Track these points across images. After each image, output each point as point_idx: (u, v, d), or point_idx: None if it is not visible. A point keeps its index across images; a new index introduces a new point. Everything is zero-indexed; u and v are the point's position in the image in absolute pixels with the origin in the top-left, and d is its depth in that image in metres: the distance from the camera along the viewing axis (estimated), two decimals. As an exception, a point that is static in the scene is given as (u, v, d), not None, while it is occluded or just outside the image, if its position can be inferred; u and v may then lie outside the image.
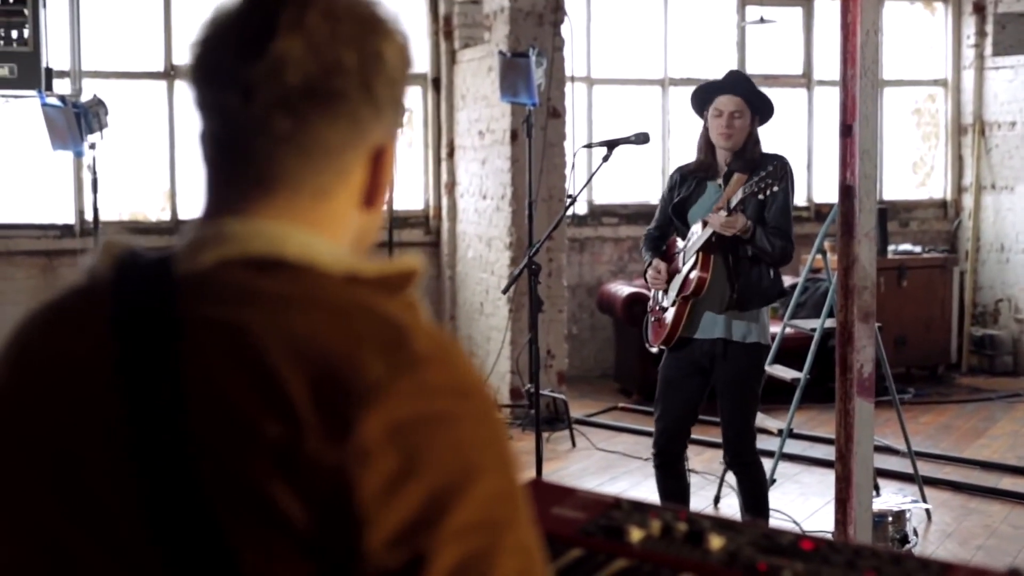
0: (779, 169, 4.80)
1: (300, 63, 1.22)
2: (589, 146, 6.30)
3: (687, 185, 5.10)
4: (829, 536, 1.52)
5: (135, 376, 1.17)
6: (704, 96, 5.04)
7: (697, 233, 4.96)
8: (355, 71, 1.24)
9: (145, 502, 1.15)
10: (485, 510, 1.13)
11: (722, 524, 1.55)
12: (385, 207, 1.35)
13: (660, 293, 5.15)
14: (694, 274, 4.95)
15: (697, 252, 4.94)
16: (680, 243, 5.11)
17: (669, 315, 5.04)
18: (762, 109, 5.01)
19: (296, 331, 1.15)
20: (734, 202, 4.86)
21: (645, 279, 5.27)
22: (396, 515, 1.10)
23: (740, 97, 4.95)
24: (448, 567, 1.10)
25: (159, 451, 1.14)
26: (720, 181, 5.01)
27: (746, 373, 4.99)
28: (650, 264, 5.18)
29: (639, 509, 1.58)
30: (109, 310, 1.22)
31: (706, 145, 5.05)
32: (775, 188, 4.80)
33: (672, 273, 5.09)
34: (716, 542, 1.49)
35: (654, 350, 5.19)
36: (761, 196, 4.82)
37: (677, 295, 5.00)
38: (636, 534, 1.51)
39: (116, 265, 1.25)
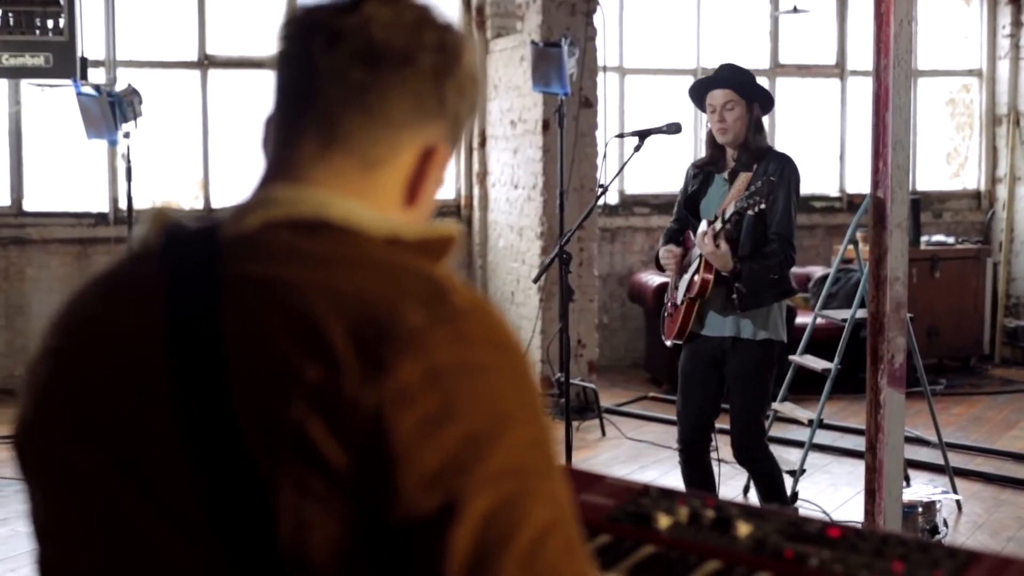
0: (765, 186, 4.74)
1: (387, 26, 1.30)
2: (621, 136, 6.28)
3: (698, 179, 5.11)
4: (858, 525, 1.51)
5: (178, 333, 1.21)
6: (699, 93, 5.05)
7: (702, 230, 4.95)
8: (433, 52, 1.31)
9: (188, 453, 1.18)
10: (518, 457, 1.15)
11: (750, 511, 1.55)
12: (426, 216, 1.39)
13: (674, 290, 5.15)
14: (698, 276, 4.97)
15: (700, 255, 4.96)
16: (694, 237, 5.11)
17: (679, 313, 5.05)
18: (757, 98, 4.97)
19: (338, 285, 1.19)
20: (730, 212, 4.85)
21: (657, 264, 5.26)
22: (431, 457, 1.12)
23: (729, 89, 4.93)
24: (482, 511, 1.12)
25: (200, 401, 1.18)
26: (727, 175, 5.01)
27: (755, 368, 4.97)
28: (664, 247, 5.18)
29: (667, 496, 1.59)
30: (158, 274, 1.26)
31: (712, 140, 5.05)
32: (762, 206, 4.77)
33: (685, 267, 5.09)
34: (743, 529, 1.50)
35: (668, 344, 5.19)
36: (751, 212, 4.79)
37: (684, 295, 5.02)
38: (664, 521, 1.52)
39: (165, 233, 1.30)
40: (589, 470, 1.58)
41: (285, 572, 1.15)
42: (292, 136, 1.33)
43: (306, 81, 1.31)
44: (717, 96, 4.95)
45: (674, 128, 5.66)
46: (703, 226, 4.95)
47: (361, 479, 1.13)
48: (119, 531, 1.24)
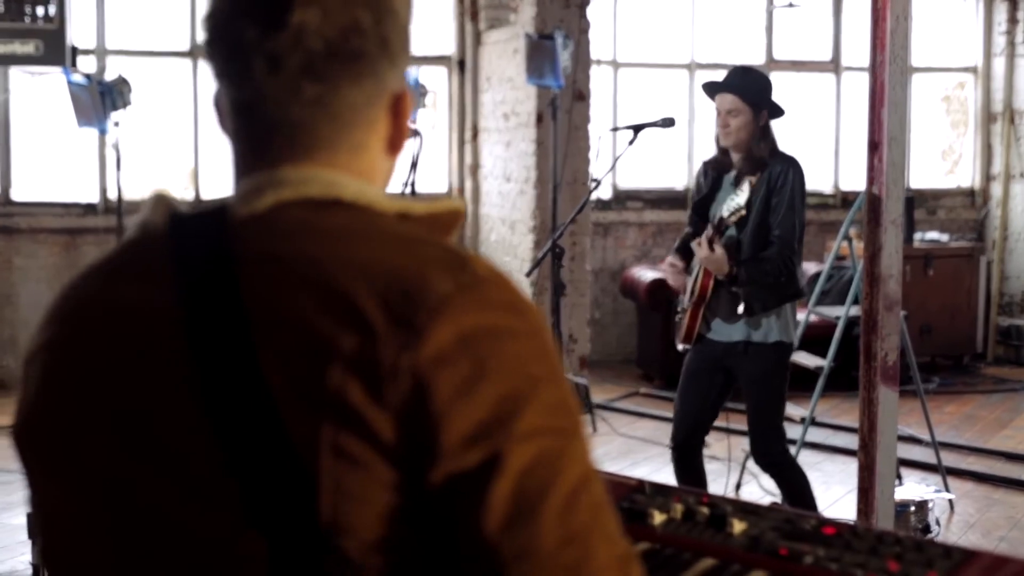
0: (756, 197, 4.77)
1: (320, 29, 1.27)
2: (616, 129, 6.25)
3: (708, 180, 5.09)
4: (849, 522, 1.50)
5: (198, 313, 1.21)
6: (709, 93, 5.03)
7: (704, 236, 4.92)
8: (371, 28, 1.29)
9: (217, 435, 1.18)
10: (551, 416, 1.19)
11: (744, 508, 1.55)
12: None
13: (683, 294, 5.12)
14: (699, 282, 4.95)
15: (701, 266, 4.95)
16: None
17: (687, 317, 5.03)
18: (765, 105, 4.92)
19: (360, 257, 1.21)
20: (717, 219, 4.85)
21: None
22: (471, 415, 1.15)
23: (735, 95, 4.89)
24: (521, 466, 1.16)
25: (228, 377, 1.18)
26: (733, 178, 4.98)
27: (768, 372, 4.94)
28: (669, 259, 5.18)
29: (662, 493, 1.59)
30: (168, 257, 1.25)
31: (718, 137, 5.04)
32: (743, 213, 4.79)
33: (690, 271, 5.07)
34: (738, 526, 1.50)
35: (679, 348, 5.16)
36: (731, 220, 4.81)
37: (689, 300, 5.00)
38: (658, 517, 1.52)
39: (170, 216, 1.29)
40: None
41: (326, 541, 1.16)
42: (266, 145, 1.31)
43: (261, 104, 1.30)
44: (723, 101, 4.92)
45: (668, 122, 5.63)
46: (705, 232, 4.94)
47: (404, 442, 1.15)
48: (139, 515, 1.23)
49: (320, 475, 1.15)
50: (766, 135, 4.93)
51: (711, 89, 5.01)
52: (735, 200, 4.87)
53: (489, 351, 1.18)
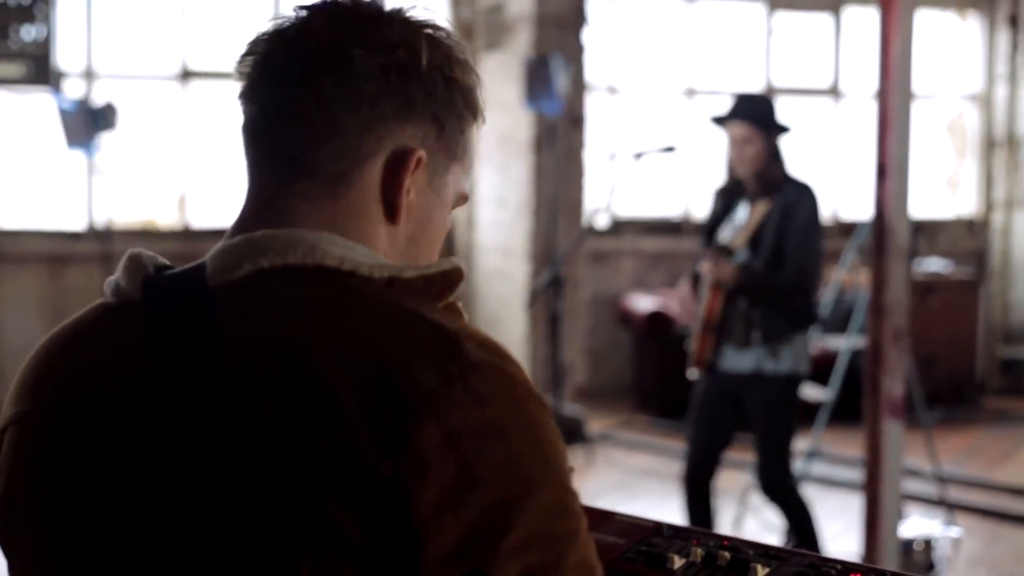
0: (767, 227, 4.72)
1: (319, 33, 1.24)
2: (615, 157, 6.13)
3: (720, 205, 5.05)
4: (878, 567, 1.42)
5: (175, 395, 1.13)
6: (718, 123, 4.99)
7: (707, 257, 4.87)
8: (379, 52, 1.23)
9: (190, 522, 1.11)
10: (545, 524, 1.10)
11: (767, 553, 1.50)
12: (427, 242, 1.33)
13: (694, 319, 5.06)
14: (705, 308, 4.90)
15: (708, 287, 4.90)
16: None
17: (696, 342, 4.97)
18: (776, 127, 4.90)
19: (343, 341, 1.11)
20: (738, 241, 4.80)
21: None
22: (454, 530, 1.07)
23: (748, 122, 4.86)
24: None
25: (203, 469, 1.11)
26: (746, 202, 4.94)
27: (779, 403, 4.88)
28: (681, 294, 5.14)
29: (680, 535, 1.54)
30: (142, 328, 1.18)
31: (731, 168, 4.99)
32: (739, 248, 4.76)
33: (699, 298, 5.01)
34: (761, 572, 1.45)
35: (690, 376, 5.07)
36: (732, 247, 4.79)
37: (699, 324, 4.93)
38: (678, 562, 1.47)
39: (144, 281, 1.23)
40: (596, 507, 1.52)
41: None
42: (258, 169, 1.27)
43: (254, 109, 1.27)
44: (735, 130, 4.88)
45: (669, 149, 5.56)
46: (707, 253, 4.90)
47: (381, 555, 1.07)
48: None
49: None
50: (778, 157, 4.90)
51: (720, 120, 4.97)
52: (737, 220, 4.85)
53: (477, 454, 1.08)
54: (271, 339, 1.13)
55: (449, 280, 1.25)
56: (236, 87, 1.29)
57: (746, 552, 1.48)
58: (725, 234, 4.93)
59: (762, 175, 4.86)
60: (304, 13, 1.26)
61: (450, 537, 1.06)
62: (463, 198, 1.35)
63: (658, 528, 1.55)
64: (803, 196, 4.84)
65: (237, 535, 1.09)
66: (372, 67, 1.23)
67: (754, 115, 4.88)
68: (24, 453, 1.23)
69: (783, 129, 4.92)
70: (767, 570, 1.44)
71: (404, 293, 1.20)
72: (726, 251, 4.81)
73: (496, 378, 1.13)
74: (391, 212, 1.26)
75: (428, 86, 1.26)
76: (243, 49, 1.28)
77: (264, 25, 1.29)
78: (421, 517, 1.06)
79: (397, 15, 1.27)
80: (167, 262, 1.27)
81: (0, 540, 1.27)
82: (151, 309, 1.19)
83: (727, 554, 1.47)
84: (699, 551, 1.48)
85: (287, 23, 1.26)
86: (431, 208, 1.30)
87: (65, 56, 8.24)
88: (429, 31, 1.28)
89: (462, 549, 1.07)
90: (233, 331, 1.15)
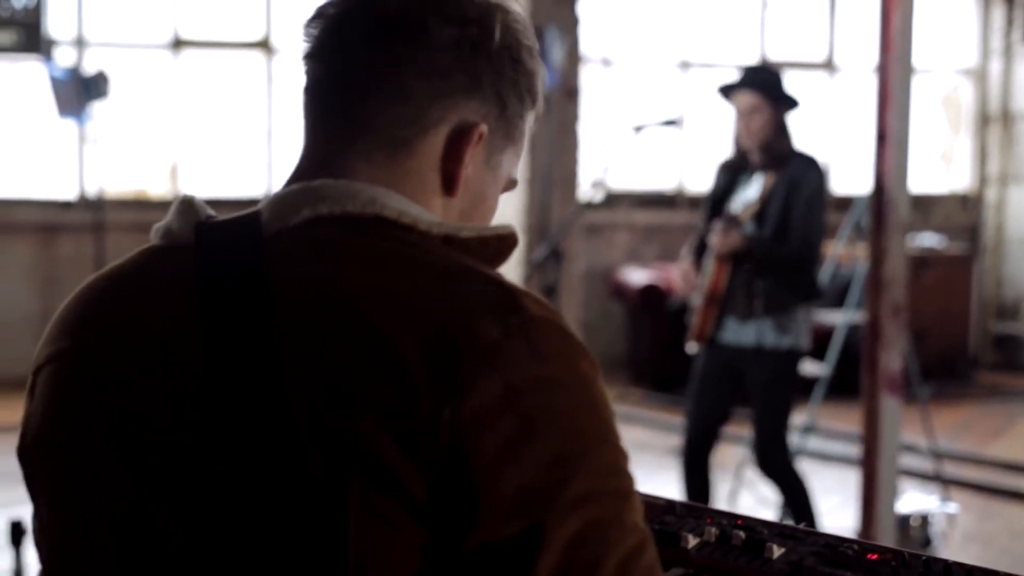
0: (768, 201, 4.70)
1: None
2: (617, 129, 6.08)
3: (725, 179, 5.01)
4: (896, 548, 1.41)
5: (225, 341, 1.12)
6: (725, 94, 4.95)
7: (715, 229, 4.83)
8: (452, 24, 1.24)
9: (236, 470, 1.09)
10: (601, 479, 1.10)
11: (782, 532, 1.48)
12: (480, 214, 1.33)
13: (695, 292, 5.02)
14: (710, 280, 4.87)
15: (714, 258, 4.87)
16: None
17: (698, 315, 4.94)
18: (784, 99, 4.87)
19: (402, 292, 1.11)
20: (743, 210, 4.78)
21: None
22: (514, 481, 1.06)
23: (755, 92, 4.82)
24: (567, 537, 1.07)
25: (252, 416, 1.09)
26: (752, 175, 4.90)
27: (778, 378, 4.86)
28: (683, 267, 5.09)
29: (694, 514, 1.53)
30: (193, 273, 1.17)
31: (738, 140, 4.95)
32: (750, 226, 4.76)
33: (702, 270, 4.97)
34: (777, 551, 1.43)
35: (690, 349, 5.04)
36: (743, 219, 4.76)
37: (702, 297, 4.91)
38: (692, 541, 1.46)
39: (197, 226, 1.21)
40: None
41: None
42: (318, 127, 1.27)
43: (321, 69, 1.26)
44: (743, 100, 4.84)
45: (673, 122, 5.51)
46: (715, 225, 4.86)
47: (438, 504, 1.06)
48: (149, 555, 1.14)
49: (348, 531, 1.06)
50: (785, 130, 4.88)
51: (727, 90, 4.93)
52: (747, 194, 4.82)
53: (538, 407, 1.07)
54: (328, 287, 1.12)
55: (504, 244, 1.26)
56: (301, 49, 1.29)
57: (761, 532, 1.46)
58: (734, 206, 4.89)
59: (769, 147, 4.82)
60: None
61: (509, 489, 1.05)
62: (513, 183, 1.36)
63: (671, 506, 1.54)
64: (810, 169, 4.81)
65: (284, 480, 1.07)
66: (446, 38, 1.23)
67: (761, 85, 4.84)
68: (62, 392, 1.21)
69: (791, 102, 4.88)
70: (783, 550, 1.42)
71: (460, 252, 1.19)
72: (735, 221, 4.78)
73: (555, 335, 1.12)
74: (449, 183, 1.27)
75: (496, 65, 1.26)
76: (313, 11, 1.29)
77: None
78: (480, 467, 1.05)
79: None
80: (215, 213, 1.25)
81: (28, 483, 1.25)
82: (204, 253, 1.18)
83: (742, 533, 1.45)
84: (713, 530, 1.47)
85: None
86: (485, 186, 1.31)
87: (56, 24, 8.17)
88: (503, 13, 1.28)
89: (521, 501, 1.06)
90: (288, 277, 1.13)
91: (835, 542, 1.44)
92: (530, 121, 1.34)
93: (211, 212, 1.25)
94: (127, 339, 1.18)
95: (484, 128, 1.27)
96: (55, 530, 1.23)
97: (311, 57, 1.28)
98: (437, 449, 1.05)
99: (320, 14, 1.27)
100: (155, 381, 1.15)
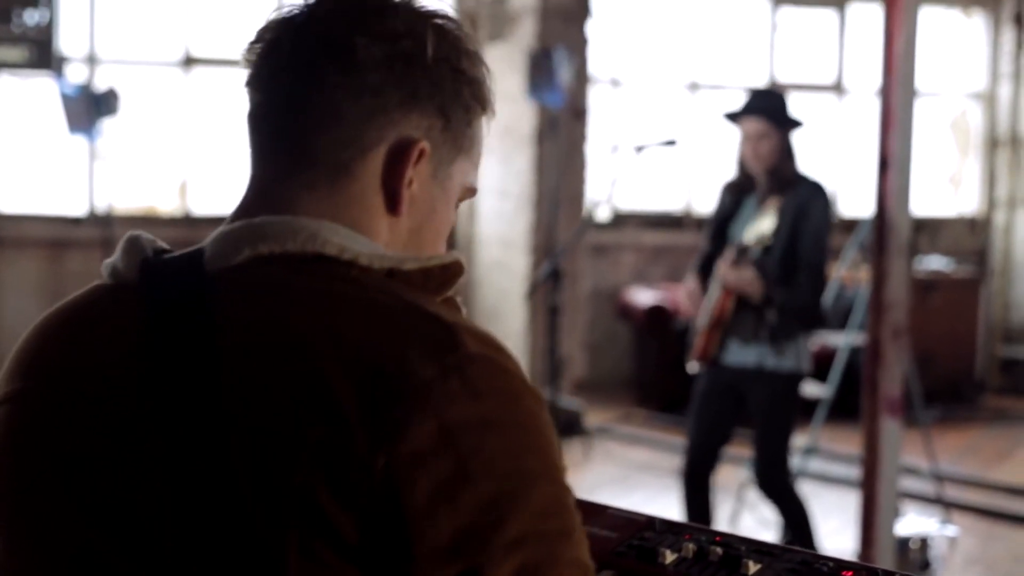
0: (782, 224, 4.71)
1: (323, 19, 1.24)
2: (618, 150, 6.09)
3: (730, 201, 5.01)
4: (871, 564, 1.42)
5: (168, 379, 1.13)
6: (732, 119, 4.96)
7: (727, 258, 4.82)
8: (382, 40, 1.23)
9: (177, 507, 1.10)
10: (541, 520, 1.09)
11: (759, 549, 1.49)
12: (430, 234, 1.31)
13: (700, 315, 5.02)
14: (716, 306, 4.87)
15: (723, 286, 4.88)
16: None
17: (702, 338, 4.94)
18: (789, 122, 4.89)
19: (340, 331, 1.10)
20: (743, 244, 4.77)
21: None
22: (448, 525, 1.06)
23: (764, 118, 4.83)
24: None
25: (192, 454, 1.09)
26: (757, 199, 4.90)
27: (779, 401, 4.87)
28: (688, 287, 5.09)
29: (673, 531, 1.53)
30: (138, 312, 1.18)
31: (743, 163, 4.96)
32: (768, 244, 4.74)
33: (707, 292, 4.97)
34: (752, 568, 1.45)
35: (691, 369, 5.04)
36: (754, 249, 4.76)
37: (706, 320, 4.90)
38: (669, 557, 1.47)
39: (142, 264, 1.22)
40: (590, 500, 1.53)
41: None
42: (260, 158, 1.27)
43: (258, 97, 1.27)
44: (750, 126, 4.85)
45: (672, 143, 5.54)
46: (726, 254, 4.86)
47: (373, 549, 1.06)
48: None
49: (287, 572, 1.06)
50: (791, 154, 4.89)
51: (735, 116, 4.94)
52: (760, 226, 4.80)
53: (472, 448, 1.07)
54: (267, 326, 1.12)
55: (448, 274, 1.24)
56: (242, 75, 1.29)
57: (738, 548, 1.47)
58: (742, 234, 4.88)
59: (776, 172, 4.83)
60: (311, 2, 1.26)
61: (444, 532, 1.05)
62: (470, 191, 1.34)
63: (650, 522, 1.55)
64: (816, 196, 4.81)
65: (224, 522, 1.08)
66: (376, 56, 1.22)
67: (769, 111, 4.85)
68: (14, 432, 1.22)
69: (796, 124, 4.90)
70: (759, 566, 1.44)
71: (403, 285, 1.19)
72: (746, 252, 4.78)
73: (493, 372, 1.12)
74: (392, 203, 1.25)
75: (434, 77, 1.25)
76: (250, 37, 1.28)
77: (272, 13, 1.28)
78: (414, 510, 1.05)
79: (404, 5, 1.26)
80: (166, 246, 1.26)
81: None
82: (147, 292, 1.19)
83: (719, 550, 1.46)
84: (691, 546, 1.48)
85: (294, 12, 1.26)
86: (434, 200, 1.29)
87: (68, 41, 8.21)
88: (437, 21, 1.27)
89: (456, 544, 1.05)
90: (229, 317, 1.14)
91: (811, 559, 1.45)
92: (483, 128, 1.32)
93: (162, 246, 1.26)
94: (74, 378, 1.19)
95: (426, 144, 1.25)
96: (8, 566, 1.23)
97: (250, 85, 1.27)
98: (371, 493, 1.05)
99: (258, 39, 1.27)
100: (100, 420, 1.16)
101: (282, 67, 1.24)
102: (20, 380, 1.24)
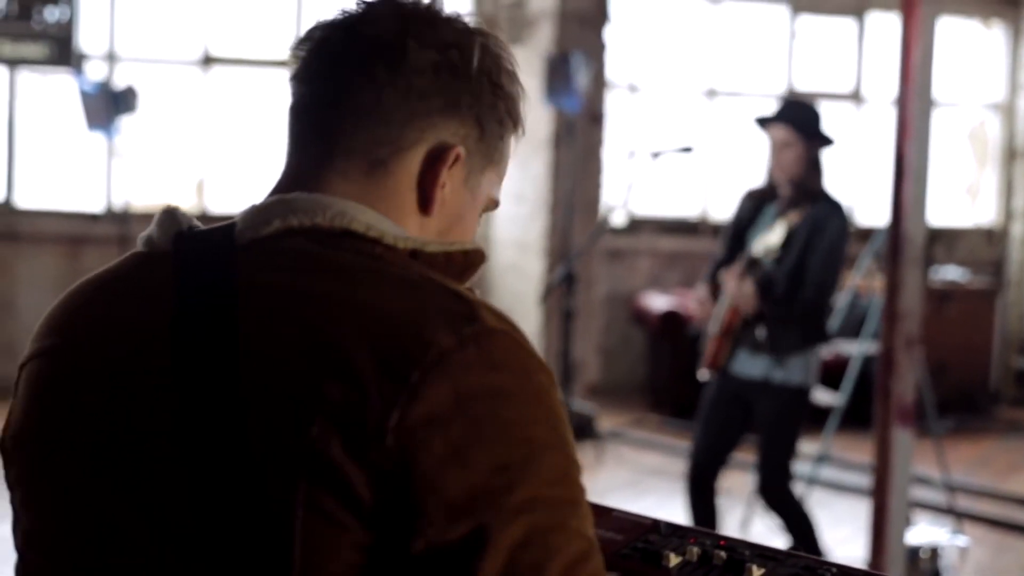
0: (794, 240, 4.71)
1: (376, 22, 1.29)
2: (657, 155, 6.06)
3: (750, 208, 5.01)
4: (876, 572, 1.44)
5: (188, 341, 1.17)
6: (762, 124, 4.96)
7: (734, 269, 4.84)
8: (432, 49, 1.28)
9: (192, 469, 1.14)
10: (548, 486, 1.12)
11: (763, 554, 1.50)
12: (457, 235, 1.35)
13: (710, 322, 5.03)
14: (726, 315, 4.89)
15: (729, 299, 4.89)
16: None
17: (712, 346, 4.96)
18: (818, 137, 4.86)
19: (361, 299, 1.15)
20: (752, 256, 4.78)
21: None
22: (460, 485, 1.09)
23: (790, 127, 4.82)
24: (511, 542, 1.09)
25: (209, 415, 1.13)
26: (777, 209, 4.90)
27: (785, 414, 4.88)
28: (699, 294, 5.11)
29: (678, 534, 1.54)
30: (167, 277, 1.22)
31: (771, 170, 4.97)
32: (776, 258, 4.75)
33: (718, 300, 4.99)
34: (756, 572, 1.45)
35: (702, 377, 5.06)
36: (765, 262, 4.77)
37: (716, 329, 4.92)
38: (673, 560, 1.48)
39: (175, 235, 1.26)
40: (595, 502, 1.54)
41: None
42: (299, 147, 1.32)
43: (304, 90, 1.31)
44: (776, 133, 4.85)
45: (688, 149, 5.55)
46: (734, 264, 4.88)
47: (384, 507, 1.09)
48: (109, 546, 1.19)
49: (294, 528, 1.09)
50: (817, 168, 4.87)
51: (763, 122, 4.94)
52: (770, 239, 4.81)
53: (487, 414, 1.11)
54: (290, 292, 1.16)
55: (469, 261, 1.28)
56: (288, 70, 1.33)
57: (742, 552, 1.48)
58: (754, 246, 4.88)
59: (799, 183, 4.82)
60: (365, 6, 1.31)
61: (455, 491, 1.08)
62: (494, 203, 1.40)
63: (655, 525, 1.55)
64: (834, 213, 4.81)
65: (234, 476, 1.11)
66: (425, 61, 1.27)
67: (795, 120, 4.84)
68: (43, 386, 1.26)
69: (826, 140, 4.87)
70: (762, 571, 1.44)
71: (425, 266, 1.23)
72: (755, 265, 4.78)
73: (509, 346, 1.15)
74: (424, 203, 1.30)
75: (475, 88, 1.31)
76: (301, 35, 1.33)
77: (325, 14, 1.34)
78: (426, 471, 1.08)
79: (454, 19, 1.32)
80: (200, 224, 1.30)
81: (6, 473, 1.30)
82: (178, 260, 1.23)
83: (723, 554, 1.47)
84: (695, 550, 1.48)
85: (347, 13, 1.31)
86: (463, 206, 1.34)
87: (87, 38, 8.26)
88: (483, 38, 1.33)
89: (467, 504, 1.08)
90: (256, 286, 1.18)
91: (814, 564, 1.46)
92: (512, 144, 1.39)
93: (195, 223, 1.30)
94: (105, 340, 1.23)
95: (461, 150, 1.31)
96: (27, 519, 1.28)
97: (296, 78, 1.32)
98: (384, 452, 1.08)
99: (308, 37, 1.32)
100: (127, 382, 1.20)
101: (332, 62, 1.29)
102: (51, 337, 1.28)
